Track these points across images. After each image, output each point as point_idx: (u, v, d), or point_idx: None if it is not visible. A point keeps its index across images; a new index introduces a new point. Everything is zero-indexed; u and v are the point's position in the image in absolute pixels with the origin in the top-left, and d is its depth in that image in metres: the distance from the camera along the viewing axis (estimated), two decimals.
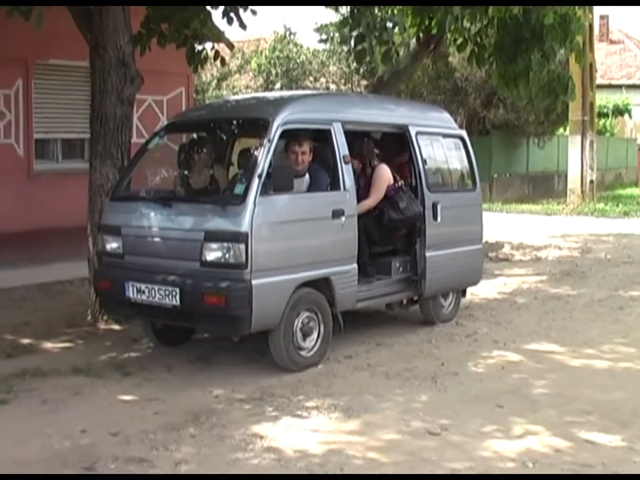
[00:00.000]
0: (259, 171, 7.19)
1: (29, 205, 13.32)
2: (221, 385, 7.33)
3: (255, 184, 7.15)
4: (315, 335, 7.84)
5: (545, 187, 31.06)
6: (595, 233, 18.88)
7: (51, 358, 8.26)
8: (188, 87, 16.01)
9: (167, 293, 7.37)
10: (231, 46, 15.14)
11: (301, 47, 30.24)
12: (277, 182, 7.25)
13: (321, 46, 31.55)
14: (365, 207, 8.47)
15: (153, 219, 7.69)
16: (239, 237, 7.06)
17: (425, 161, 9.06)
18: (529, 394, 7.20)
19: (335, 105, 8.63)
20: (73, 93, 13.74)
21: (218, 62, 11.36)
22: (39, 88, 13.77)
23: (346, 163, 8.04)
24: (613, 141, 39.09)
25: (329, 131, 8.02)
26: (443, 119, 9.99)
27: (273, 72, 29.05)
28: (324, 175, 8.04)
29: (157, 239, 7.67)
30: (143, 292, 7.55)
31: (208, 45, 11.69)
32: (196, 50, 11.09)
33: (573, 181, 25.12)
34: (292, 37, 30.76)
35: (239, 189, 7.33)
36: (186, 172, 8.43)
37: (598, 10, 25.43)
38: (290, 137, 7.91)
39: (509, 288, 12.15)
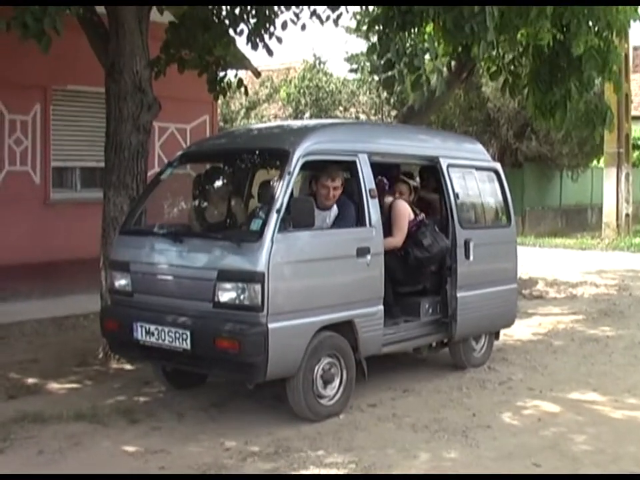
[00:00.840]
0: (277, 205, 6.68)
1: (45, 235, 12.89)
2: (234, 435, 6.78)
3: (273, 219, 6.63)
4: (336, 382, 7.27)
5: (578, 220, 30.36)
6: (632, 269, 18.17)
7: (54, 400, 7.76)
8: (212, 114, 15.56)
9: (177, 335, 6.84)
10: (257, 74, 14.63)
11: (331, 75, 29.81)
12: (297, 217, 6.71)
13: (351, 75, 31.21)
14: (390, 245, 7.92)
15: (164, 255, 7.17)
16: (255, 277, 6.53)
17: (457, 195, 8.50)
18: (568, 450, 6.59)
19: (361, 135, 8.07)
20: (92, 119, 13.26)
21: (246, 90, 10.87)
22: (57, 114, 13.37)
23: (372, 197, 7.50)
24: None
25: (354, 163, 7.49)
26: (476, 151, 9.43)
27: (302, 101, 28.64)
28: (351, 209, 7.52)
29: (167, 277, 7.15)
30: (152, 334, 7.02)
31: (232, 73, 11.22)
32: (218, 77, 10.62)
33: (608, 215, 24.40)
34: (322, 65, 30.36)
35: (255, 224, 6.80)
36: (201, 205, 7.94)
37: (633, 41, 24.76)
38: (318, 169, 7.44)
39: (544, 328, 11.51)
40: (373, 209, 7.46)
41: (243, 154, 7.93)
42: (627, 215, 23.97)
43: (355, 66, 31.57)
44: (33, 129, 13.10)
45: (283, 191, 6.74)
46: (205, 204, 7.95)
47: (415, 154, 8.40)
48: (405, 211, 8.17)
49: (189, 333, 6.77)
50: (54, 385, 8.31)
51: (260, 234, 6.61)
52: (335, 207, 7.52)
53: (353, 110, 29.04)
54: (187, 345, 6.79)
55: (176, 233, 7.41)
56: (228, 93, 10.88)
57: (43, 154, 13.22)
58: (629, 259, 20.32)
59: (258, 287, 6.52)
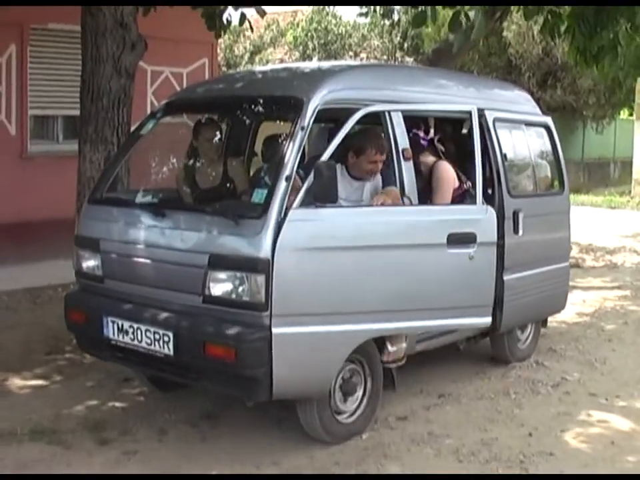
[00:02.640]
0: (287, 171, 5.11)
1: (22, 193, 11.32)
2: (227, 462, 5.34)
3: (282, 189, 5.07)
4: (359, 393, 5.76)
5: (600, 175, 28.74)
6: None
7: (11, 406, 6.31)
8: (212, 57, 13.88)
9: (157, 337, 5.33)
10: (262, 13, 12.98)
11: (340, 18, 28.04)
12: (317, 189, 5.10)
13: (361, 20, 29.50)
14: None
15: (142, 233, 5.61)
16: (257, 265, 4.98)
17: (505, 157, 6.91)
18: None
19: (391, 80, 6.32)
20: (76, 62, 11.60)
21: (251, 34, 9.42)
22: (35, 56, 11.67)
23: (406, 159, 5.93)
24: None
25: (383, 116, 5.89)
26: (524, 102, 7.85)
27: (310, 45, 26.93)
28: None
29: (146, 261, 5.59)
30: (126, 332, 5.51)
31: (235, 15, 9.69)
32: (217, 11, 9.06)
33: (639, 171, 22.75)
34: (331, 8, 28.57)
35: (258, 195, 5.24)
36: (192, 168, 6.40)
37: None
38: (369, 140, 5.86)
39: (590, 307, 9.98)
40: (407, 176, 5.89)
41: (243, 103, 6.19)
42: None
43: (364, 9, 29.86)
44: (8, 73, 11.43)
45: (294, 152, 5.18)
46: (197, 166, 6.42)
47: (456, 105, 6.72)
48: (450, 176, 6.56)
49: (171, 335, 5.26)
50: (16, 382, 6.86)
51: (264, 208, 5.05)
52: (378, 178, 6.00)
53: (363, 55, 27.35)
54: (168, 349, 5.28)
55: (157, 204, 5.90)
56: (229, 30, 9.33)
57: (20, 101, 11.56)
58: None
59: (260, 278, 4.98)
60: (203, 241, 5.26)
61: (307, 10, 28.40)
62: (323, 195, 5.07)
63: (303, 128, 5.26)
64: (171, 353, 5.27)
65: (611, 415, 6.37)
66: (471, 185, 6.56)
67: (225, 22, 9.37)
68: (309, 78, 6.06)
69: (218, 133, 6.41)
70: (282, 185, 5.08)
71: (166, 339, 5.26)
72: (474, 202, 5.95)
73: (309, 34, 26.95)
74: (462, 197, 6.56)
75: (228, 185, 6.30)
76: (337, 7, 28.42)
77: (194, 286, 5.22)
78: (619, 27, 10.26)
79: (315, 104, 5.39)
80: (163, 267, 5.45)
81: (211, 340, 5.09)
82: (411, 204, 5.85)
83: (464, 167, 6.75)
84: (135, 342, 5.45)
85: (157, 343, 5.32)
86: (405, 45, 25.31)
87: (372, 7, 28.61)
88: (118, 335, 5.55)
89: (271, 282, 4.96)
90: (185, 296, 5.31)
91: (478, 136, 6.14)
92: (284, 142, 5.41)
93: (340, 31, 27.05)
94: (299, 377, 5.20)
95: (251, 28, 9.89)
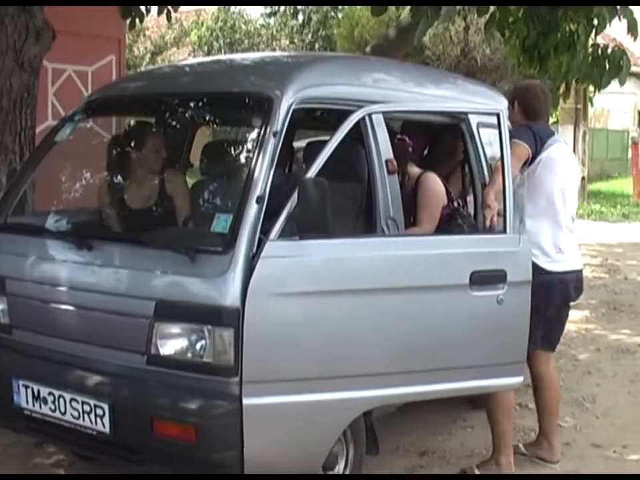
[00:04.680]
0: (258, 190, 3.91)
1: None
2: None
3: (253, 214, 3.86)
4: (340, 466, 4.54)
5: None
6: (604, 243, 15.90)
7: None
8: (119, 55, 12.40)
9: (88, 408, 4.04)
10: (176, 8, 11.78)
11: (249, 17, 26.90)
12: (301, 214, 3.88)
13: (267, 20, 28.53)
14: None
15: (61, 269, 4.31)
16: (222, 316, 3.77)
17: (490, 168, 5.82)
18: None
19: (373, 76, 5.05)
20: None
21: (152, 35, 8.37)
22: None
23: (391, 172, 4.77)
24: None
25: (362, 119, 4.67)
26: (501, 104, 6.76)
27: (215, 45, 25.60)
28: None
29: (67, 307, 4.27)
30: (44, 400, 4.20)
31: None
32: None
33: None
34: (237, 7, 27.39)
35: (221, 222, 3.99)
36: (122, 183, 5.13)
37: None
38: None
39: None
40: (392, 194, 4.73)
41: (189, 102, 4.88)
42: (583, 179, 21.63)
43: (268, 10, 29.00)
44: None
45: (266, 166, 3.97)
46: (126, 181, 5.15)
47: (439, 107, 5.53)
48: (440, 191, 5.39)
49: (106, 407, 3.98)
50: None
51: (231, 240, 3.83)
52: None
53: None
54: (103, 425, 4.00)
55: (81, 232, 4.61)
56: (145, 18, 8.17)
57: None
58: (593, 228, 17.99)
59: (227, 333, 3.76)
60: (147, 283, 4.00)
61: (212, 8, 27.12)
62: (309, 223, 3.84)
63: (275, 134, 4.05)
64: (107, 430, 3.99)
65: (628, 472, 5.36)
66: (461, 203, 5.48)
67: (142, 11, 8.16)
68: (277, 70, 4.81)
69: (161, 139, 5.12)
70: (252, 208, 3.86)
71: (99, 411, 3.99)
72: (502, 230, 4.74)
73: (214, 33, 25.62)
74: (450, 217, 5.43)
75: (166, 205, 5.04)
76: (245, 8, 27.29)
77: (135, 342, 3.96)
78: (576, 24, 9.39)
79: (288, 102, 4.18)
80: (92, 316, 4.16)
81: (162, 415, 3.85)
82: (396, 228, 4.69)
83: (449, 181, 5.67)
84: (57, 414, 4.16)
85: (86, 416, 4.04)
86: (317, 45, 24.31)
87: (279, 7, 27.76)
88: (33, 404, 4.25)
89: (240, 338, 3.75)
90: (124, 355, 4.04)
91: (505, 141, 4.84)
92: (247, 152, 4.21)
93: (248, 30, 25.81)
94: (279, 459, 4.00)
95: (169, 17, 8.73)
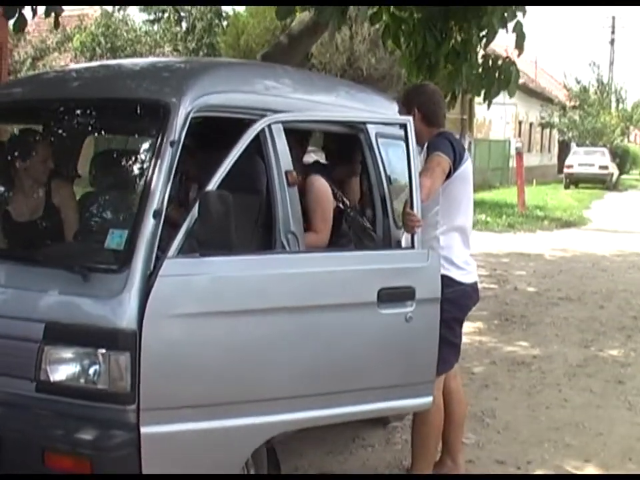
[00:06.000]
0: (155, 203, 3.66)
1: None
2: None
3: (149, 230, 3.62)
4: None
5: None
6: (492, 253, 16.05)
7: None
8: (1, 59, 11.99)
9: None
10: (60, 10, 11.33)
11: (132, 23, 26.34)
12: (203, 230, 3.65)
13: (149, 27, 28.07)
14: (314, 245, 5.00)
15: None
16: (117, 339, 3.52)
17: (390, 179, 5.68)
18: None
19: (275, 84, 4.79)
20: None
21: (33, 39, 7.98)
22: None
23: (291, 184, 4.56)
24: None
25: (262, 130, 4.44)
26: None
27: (98, 51, 24.98)
28: None
29: None
30: None
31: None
32: None
33: None
34: (120, 12, 26.79)
35: (115, 238, 3.74)
36: (3, 193, 4.80)
37: None
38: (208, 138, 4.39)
39: None
40: (292, 207, 4.50)
41: (78, 109, 4.57)
42: None
43: (151, 16, 28.59)
44: None
45: (163, 178, 3.73)
46: (13, 193, 4.82)
47: (338, 116, 5.33)
48: (328, 192, 5.17)
49: None
50: None
51: (126, 257, 3.59)
52: None
53: None
54: None
55: None
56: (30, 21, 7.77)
57: None
58: (480, 238, 17.96)
59: (123, 357, 3.50)
60: (36, 304, 3.71)
61: (94, 14, 26.49)
62: (211, 238, 3.61)
63: (172, 143, 3.81)
64: None
65: None
66: (348, 203, 5.34)
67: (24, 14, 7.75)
68: (173, 76, 4.55)
69: (49, 148, 4.80)
70: (149, 223, 3.62)
71: None
72: (410, 245, 4.57)
73: (96, 39, 25.00)
74: (339, 219, 5.26)
75: (53, 217, 4.73)
76: (130, 12, 26.71)
77: (24, 368, 3.66)
78: (468, 34, 9.39)
79: (186, 109, 3.94)
80: None
81: (53, 447, 3.56)
82: (297, 243, 4.49)
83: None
84: None
85: None
86: (201, 53, 24.02)
87: (161, 13, 27.34)
88: None
89: (137, 363, 3.50)
90: (11, 381, 3.73)
91: (413, 153, 4.64)
92: (141, 162, 3.96)
93: (130, 36, 25.25)
94: None
95: (57, 25, 8.32)
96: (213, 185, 3.73)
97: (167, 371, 3.59)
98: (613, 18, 58.58)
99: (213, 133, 4.42)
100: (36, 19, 8.77)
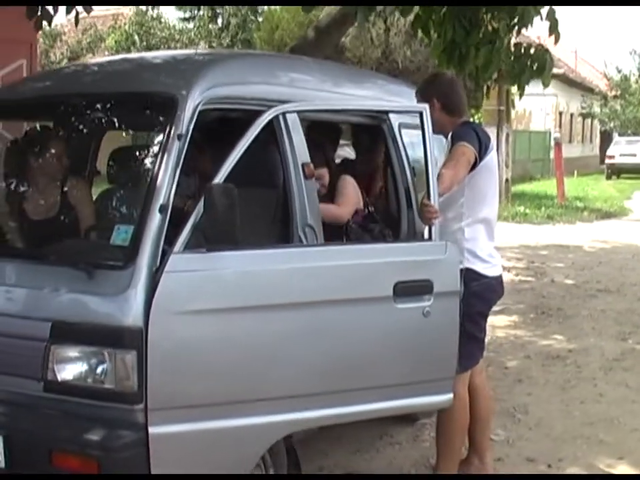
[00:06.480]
0: (161, 198, 3.59)
1: None
2: None
3: (155, 225, 3.54)
4: None
5: None
6: (530, 245, 15.86)
7: None
8: (31, 59, 11.92)
9: None
10: (89, 9, 11.32)
11: (166, 21, 26.39)
12: (209, 224, 3.55)
13: (184, 24, 28.15)
14: (332, 215, 4.94)
15: None
16: (123, 337, 3.45)
17: (414, 171, 5.56)
18: None
19: (288, 74, 4.76)
20: None
21: (69, 40, 7.92)
22: None
23: (308, 176, 4.47)
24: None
25: (276, 120, 4.36)
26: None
27: (133, 50, 25.10)
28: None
29: None
30: None
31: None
32: None
33: None
34: (154, 10, 26.85)
35: (121, 234, 3.69)
36: (17, 192, 4.75)
37: None
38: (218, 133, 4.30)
39: None
40: (310, 200, 4.42)
41: (92, 104, 4.47)
42: (507, 181, 21.59)
43: (187, 14, 28.62)
44: None
45: (170, 173, 3.65)
46: (25, 190, 4.77)
47: (358, 105, 5.23)
48: (354, 189, 5.22)
49: (0, 439, 3.62)
50: None
51: (132, 253, 3.52)
52: None
53: None
54: None
55: None
56: (44, 34, 7.80)
57: None
58: (518, 231, 17.93)
59: (130, 356, 3.44)
60: (42, 303, 3.66)
61: (129, 13, 26.59)
62: (217, 233, 3.53)
63: (179, 137, 3.73)
64: (1, 463, 3.63)
65: None
66: (374, 210, 5.25)
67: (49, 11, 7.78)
68: (185, 68, 4.47)
69: (64, 145, 4.75)
70: (155, 218, 3.54)
71: None
72: (428, 237, 4.45)
73: (129, 38, 25.10)
74: (364, 222, 5.17)
75: (68, 215, 4.68)
76: (163, 11, 26.80)
77: (31, 367, 3.61)
78: (498, 22, 9.22)
79: (194, 102, 3.86)
80: None
81: (61, 447, 3.51)
82: (315, 237, 4.39)
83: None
84: None
85: None
86: (236, 49, 24.01)
87: (199, 10, 27.36)
88: None
89: (144, 361, 3.43)
90: (19, 381, 3.68)
91: (429, 142, 4.50)
92: (150, 157, 3.89)
93: (164, 34, 25.29)
94: None
95: (77, 21, 8.35)
96: (219, 178, 3.64)
97: (175, 369, 3.52)
98: None
99: (226, 125, 4.33)
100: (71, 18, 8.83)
